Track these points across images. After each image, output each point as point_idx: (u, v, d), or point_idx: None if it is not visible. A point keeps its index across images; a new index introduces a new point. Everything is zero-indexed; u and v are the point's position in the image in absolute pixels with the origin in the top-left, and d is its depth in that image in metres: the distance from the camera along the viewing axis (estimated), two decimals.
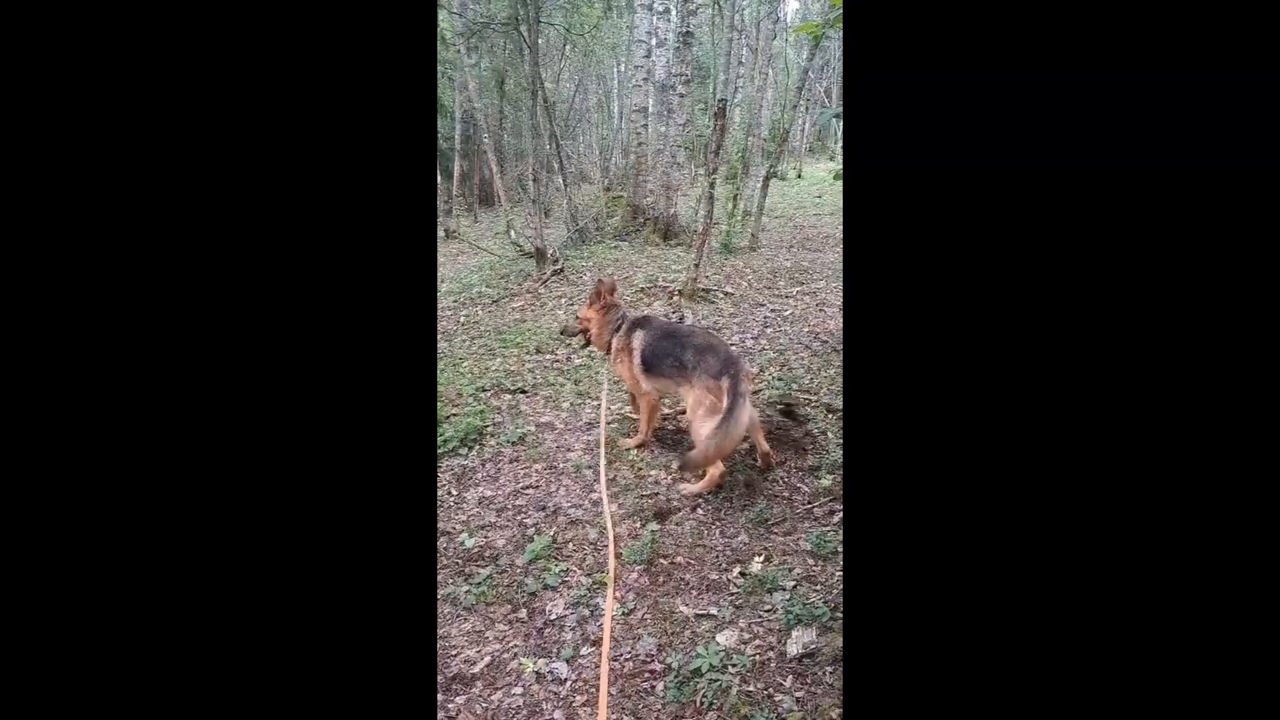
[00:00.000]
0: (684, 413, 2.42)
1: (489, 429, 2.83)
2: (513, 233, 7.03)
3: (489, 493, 2.37)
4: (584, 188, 11.08)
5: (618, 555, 1.91)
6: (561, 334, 3.17)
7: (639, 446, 2.54)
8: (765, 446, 2.28)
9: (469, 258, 7.55)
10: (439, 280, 6.36)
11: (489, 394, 3.23)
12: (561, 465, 2.51)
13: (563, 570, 1.89)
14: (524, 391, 3.26)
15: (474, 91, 7.83)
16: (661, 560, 1.91)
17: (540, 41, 6.86)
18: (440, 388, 3.30)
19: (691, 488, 2.21)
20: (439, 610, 1.76)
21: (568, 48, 11.15)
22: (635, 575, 1.85)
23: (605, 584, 1.82)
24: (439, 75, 11.30)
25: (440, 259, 7.88)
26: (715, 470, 2.16)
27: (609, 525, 1.95)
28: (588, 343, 2.71)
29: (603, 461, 2.31)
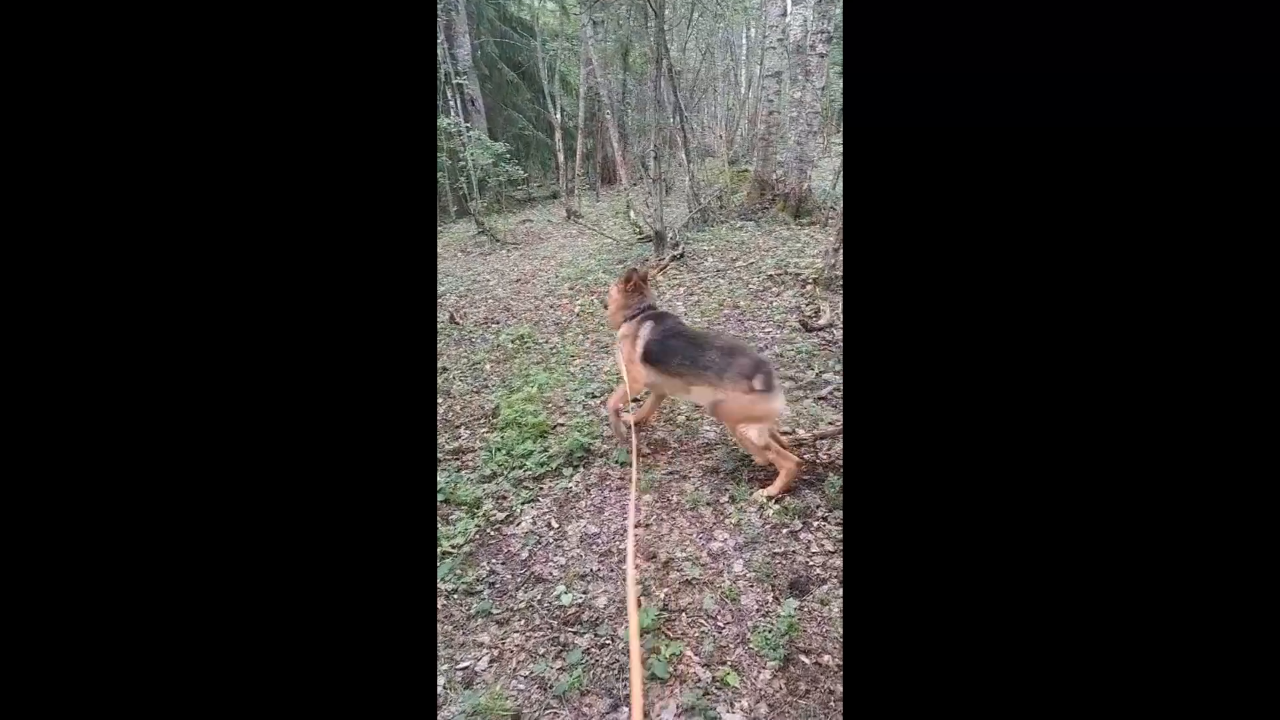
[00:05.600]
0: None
1: (596, 446, 2.51)
2: (632, 213, 6.72)
3: (593, 529, 2.05)
4: (707, 162, 10.53)
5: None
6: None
7: (639, 423, 2.45)
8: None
9: (588, 240, 7.36)
10: (558, 265, 6.23)
11: (598, 400, 2.92)
12: (675, 499, 2.13)
13: (674, 654, 1.51)
14: (637, 400, 2.90)
15: (598, 66, 7.55)
16: (803, 658, 1.47)
17: (666, 10, 6.38)
18: (548, 391, 3.05)
19: (769, 490, 2.10)
20: (526, 694, 1.46)
21: (695, 14, 10.52)
22: (767, 676, 1.43)
23: (728, 684, 1.42)
24: (564, 51, 11.22)
25: (560, 241, 7.80)
26: (789, 464, 2.07)
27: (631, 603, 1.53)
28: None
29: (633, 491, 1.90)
